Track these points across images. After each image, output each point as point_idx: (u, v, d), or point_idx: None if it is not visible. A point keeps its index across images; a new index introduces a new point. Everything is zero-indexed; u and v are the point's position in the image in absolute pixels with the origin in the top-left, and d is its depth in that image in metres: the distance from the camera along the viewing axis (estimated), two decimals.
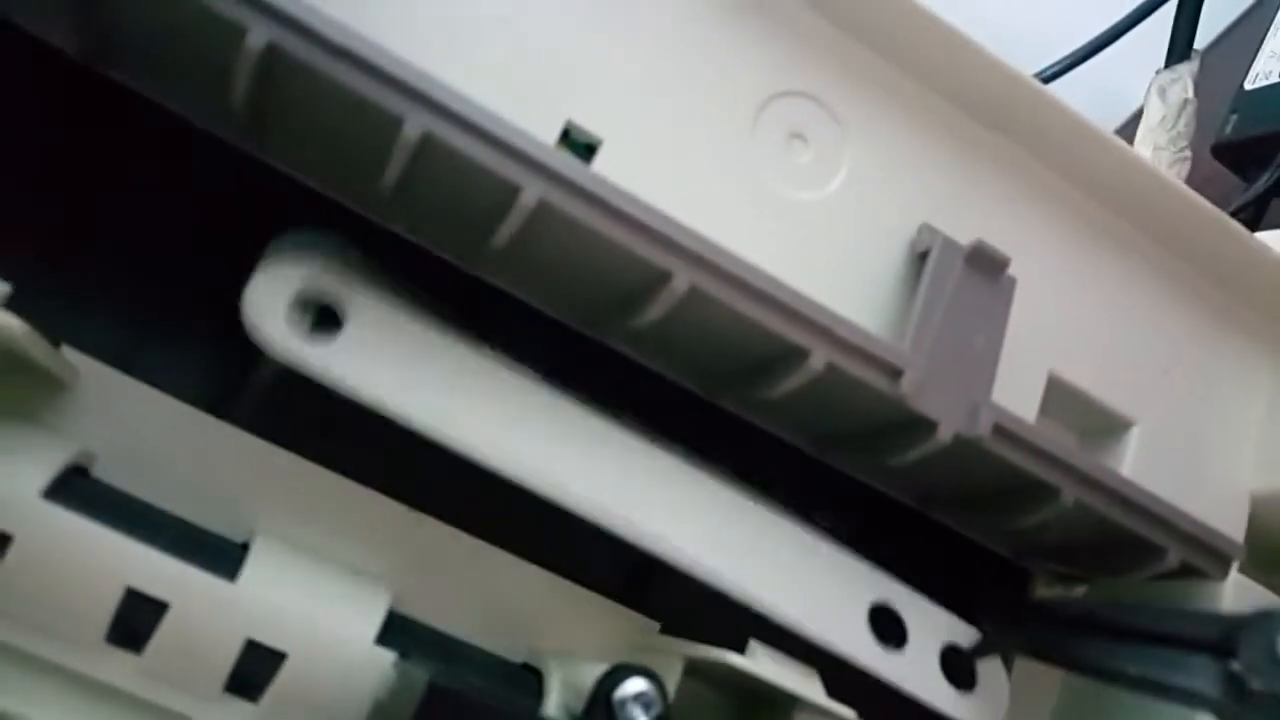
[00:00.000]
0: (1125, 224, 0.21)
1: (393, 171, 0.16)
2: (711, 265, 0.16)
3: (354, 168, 0.17)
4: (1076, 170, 0.20)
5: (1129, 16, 0.43)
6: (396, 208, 0.18)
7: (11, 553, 0.15)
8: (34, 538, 0.15)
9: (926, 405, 0.17)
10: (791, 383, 0.17)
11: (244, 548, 0.17)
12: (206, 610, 0.16)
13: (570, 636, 0.20)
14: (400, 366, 0.17)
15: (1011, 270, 0.19)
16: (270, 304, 0.17)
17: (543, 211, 0.16)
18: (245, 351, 0.17)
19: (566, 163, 0.16)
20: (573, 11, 0.18)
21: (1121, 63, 0.47)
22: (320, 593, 0.17)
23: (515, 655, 0.19)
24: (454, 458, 0.17)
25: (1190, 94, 0.34)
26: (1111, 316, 0.20)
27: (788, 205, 0.19)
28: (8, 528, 0.15)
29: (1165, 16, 0.42)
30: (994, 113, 0.20)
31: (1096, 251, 0.21)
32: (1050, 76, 0.46)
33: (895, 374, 0.17)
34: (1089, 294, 0.20)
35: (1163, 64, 0.39)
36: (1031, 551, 0.22)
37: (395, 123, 0.15)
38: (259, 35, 0.15)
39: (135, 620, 0.16)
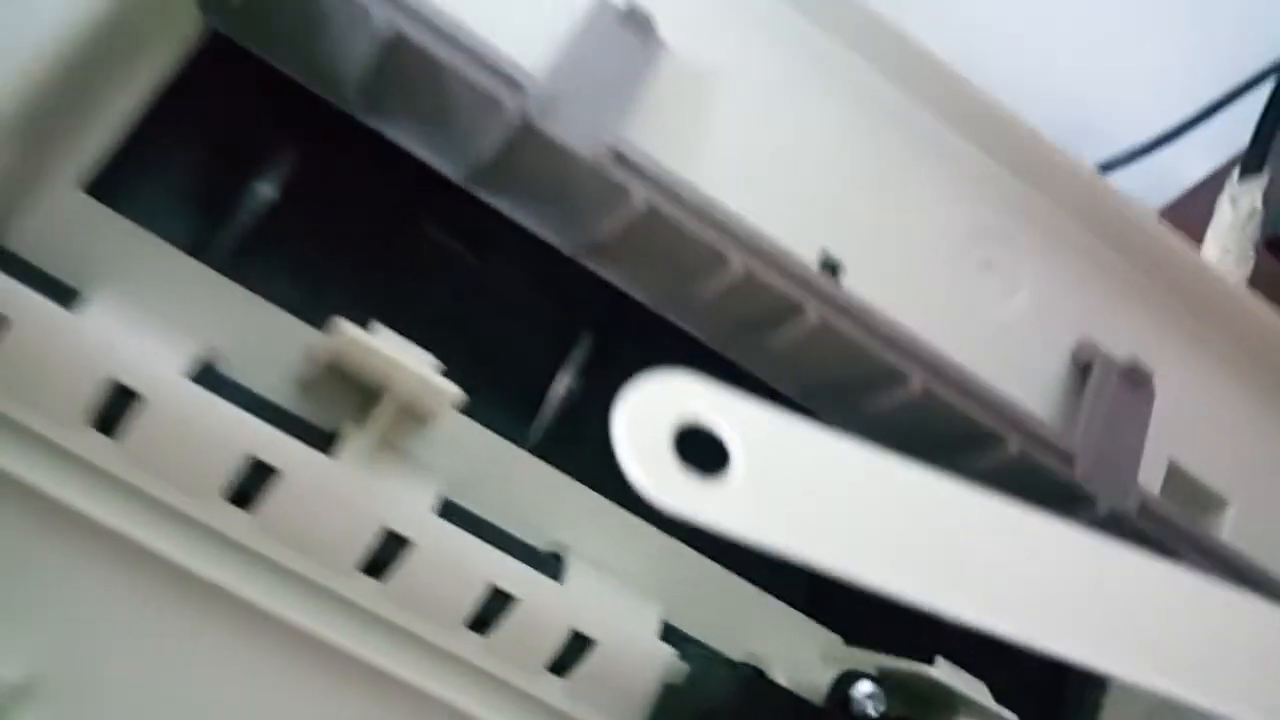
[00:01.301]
0: (1232, 340, 0.26)
1: (714, 290, 0.21)
2: (940, 370, 0.22)
3: (675, 282, 0.22)
4: (1196, 301, 0.26)
5: (1197, 114, 0.49)
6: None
7: (412, 554, 0.20)
8: (432, 546, 0.20)
9: (1091, 487, 0.23)
10: (988, 462, 0.23)
11: (557, 558, 0.22)
12: (543, 605, 0.21)
13: (775, 643, 0.25)
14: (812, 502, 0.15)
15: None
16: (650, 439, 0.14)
17: (822, 327, 0.21)
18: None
19: (839, 290, 0.21)
20: (840, 160, 0.23)
21: (1177, 148, 0.53)
22: (619, 598, 0.22)
23: (735, 655, 0.24)
24: None
25: (1259, 204, 0.39)
26: (1220, 416, 0.26)
27: (980, 318, 0.24)
28: (412, 535, 0.20)
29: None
30: (1138, 254, 0.25)
31: (1211, 362, 0.26)
32: (1116, 164, 0.52)
33: (1069, 460, 0.22)
34: (1202, 397, 0.26)
35: (1224, 163, 0.45)
36: None
37: (720, 262, 0.21)
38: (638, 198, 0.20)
39: (489, 611, 0.21)
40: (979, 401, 0.22)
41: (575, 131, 0.20)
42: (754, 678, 0.19)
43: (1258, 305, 0.26)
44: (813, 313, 0.21)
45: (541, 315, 0.25)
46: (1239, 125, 0.50)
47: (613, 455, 0.23)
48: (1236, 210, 0.39)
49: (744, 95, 0.23)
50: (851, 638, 0.26)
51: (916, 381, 0.22)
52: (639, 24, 0.21)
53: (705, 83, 0.23)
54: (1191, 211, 0.53)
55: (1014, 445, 0.22)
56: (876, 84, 0.24)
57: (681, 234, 0.21)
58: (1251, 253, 0.40)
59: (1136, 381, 0.24)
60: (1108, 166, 0.52)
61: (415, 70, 0.20)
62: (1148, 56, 0.55)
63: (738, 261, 0.21)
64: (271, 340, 0.21)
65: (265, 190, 0.23)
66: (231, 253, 0.22)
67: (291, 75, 0.22)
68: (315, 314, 0.22)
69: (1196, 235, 0.45)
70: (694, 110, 0.22)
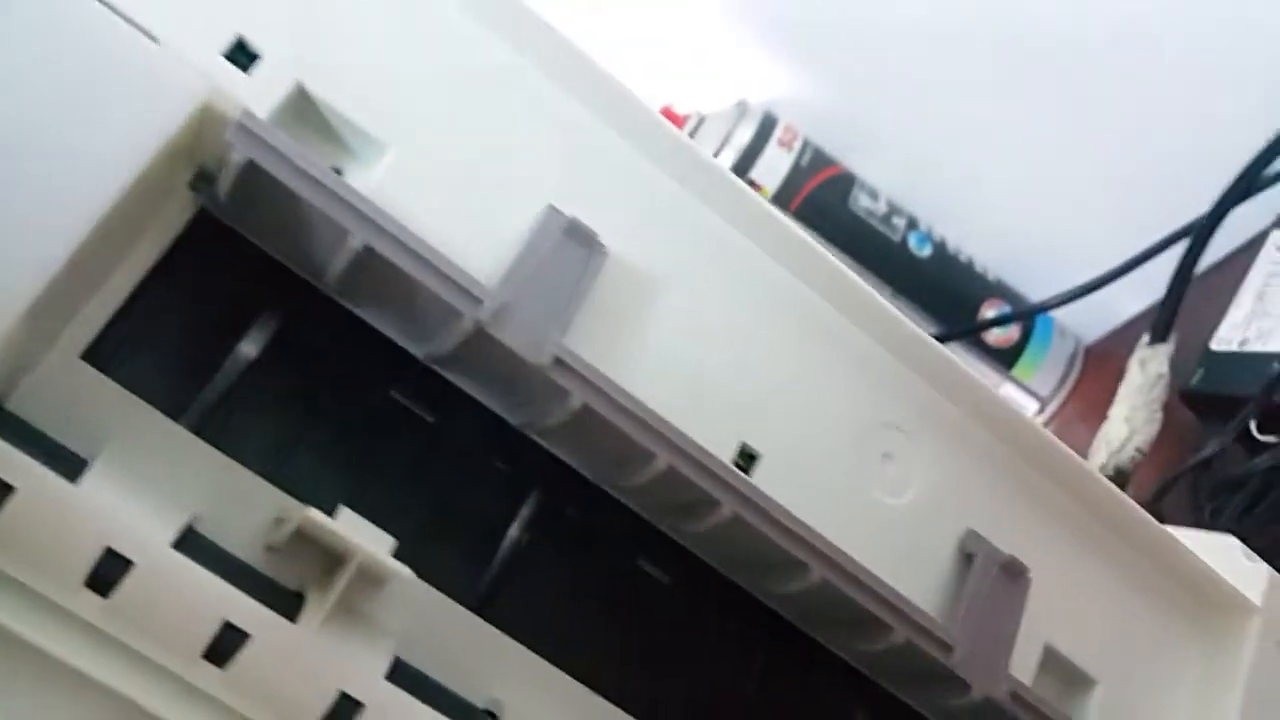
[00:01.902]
0: (1107, 532, 0.29)
1: (642, 480, 0.24)
2: (837, 564, 0.24)
3: (610, 467, 0.25)
4: (1075, 496, 0.29)
5: (1129, 262, 0.53)
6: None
7: (363, 716, 0.22)
8: (380, 711, 0.22)
9: (965, 673, 0.25)
10: (877, 646, 0.25)
11: (492, 716, 0.24)
12: None
13: None
14: None
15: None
16: None
17: (733, 520, 0.24)
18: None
19: (750, 489, 0.24)
20: (763, 360, 0.26)
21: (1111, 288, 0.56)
22: None
23: None
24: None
25: (1165, 370, 0.42)
26: (1092, 602, 0.29)
27: (877, 507, 0.27)
28: (364, 699, 0.22)
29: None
30: (1023, 453, 0.28)
31: (1086, 553, 0.29)
32: (1053, 304, 0.56)
33: (948, 649, 0.25)
34: (1077, 585, 0.29)
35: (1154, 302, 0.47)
36: None
37: (648, 457, 0.23)
38: (576, 400, 0.23)
39: None
40: (870, 595, 0.24)
41: (523, 339, 0.23)
42: None
43: (1130, 504, 0.29)
44: (726, 508, 0.24)
45: (495, 475, 0.27)
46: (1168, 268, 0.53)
47: (555, 609, 0.25)
48: (1146, 373, 0.43)
49: (680, 301, 0.26)
50: None
51: (815, 574, 0.24)
52: (582, 236, 0.24)
53: (646, 288, 0.25)
54: (1123, 346, 0.56)
55: (899, 635, 0.25)
56: (801, 292, 0.27)
57: (613, 432, 0.23)
58: (1159, 414, 0.43)
59: (1014, 573, 0.26)
60: (1046, 307, 0.56)
61: (384, 276, 0.22)
62: (1088, 203, 0.59)
63: (662, 459, 0.23)
64: (245, 503, 0.23)
65: (246, 352, 0.25)
66: (211, 414, 0.24)
67: (273, 255, 0.25)
68: (289, 472, 0.25)
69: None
70: (635, 312, 0.25)
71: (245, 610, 0.22)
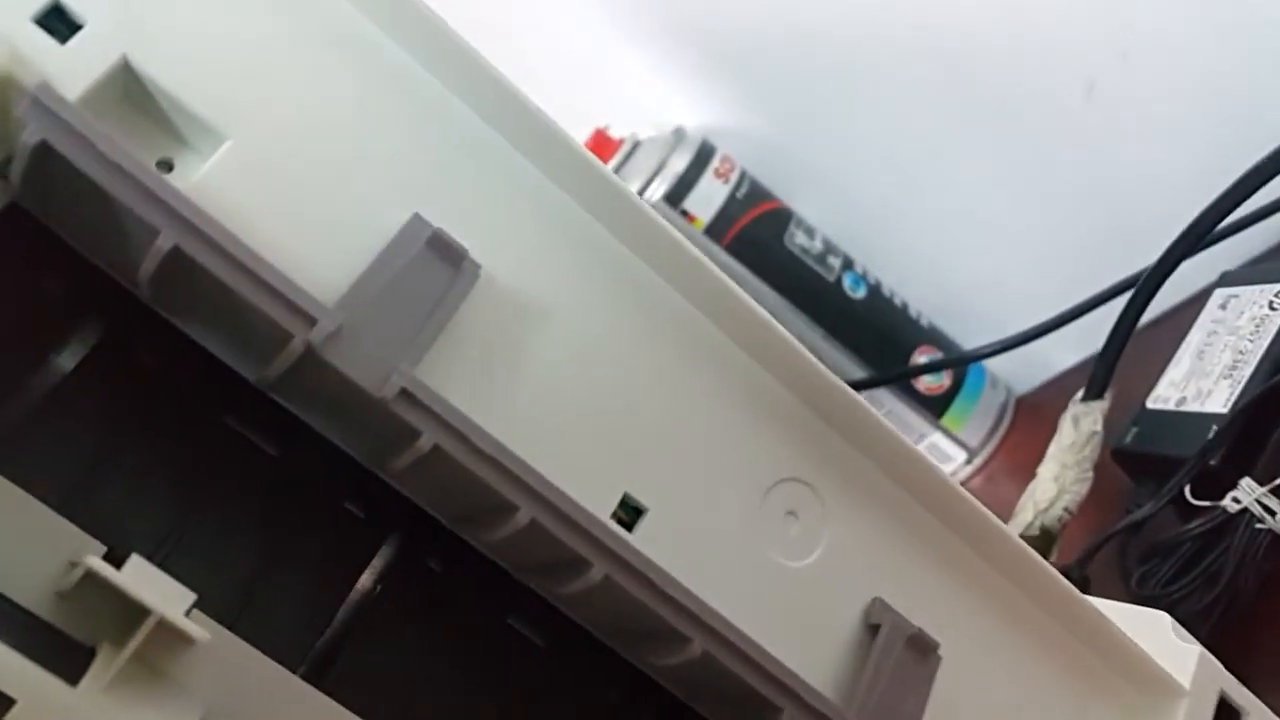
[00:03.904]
0: (1028, 605, 0.26)
1: (503, 534, 0.21)
2: (721, 637, 0.21)
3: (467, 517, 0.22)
4: (998, 565, 0.26)
5: (1066, 314, 0.51)
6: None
7: None
8: None
9: None
10: None
11: None
12: None
13: None
14: None
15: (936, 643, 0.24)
16: None
17: (605, 583, 0.21)
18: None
19: (627, 549, 0.21)
20: (652, 401, 0.23)
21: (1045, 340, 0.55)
22: None
23: None
24: None
25: (1099, 428, 0.40)
26: (1009, 682, 0.26)
27: (777, 570, 0.24)
28: None
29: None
30: (945, 515, 0.25)
31: (1004, 627, 0.26)
32: (987, 353, 0.54)
33: None
34: (992, 663, 0.26)
35: (1088, 356, 0.46)
36: None
37: (509, 509, 0.20)
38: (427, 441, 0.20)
39: None
40: (757, 671, 0.21)
41: (363, 367, 0.20)
42: None
43: (1054, 575, 0.26)
44: (597, 570, 0.21)
45: (345, 518, 0.24)
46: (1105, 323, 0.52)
47: (408, 674, 0.22)
48: (1078, 430, 0.41)
49: (563, 330, 0.23)
50: None
51: (697, 646, 0.21)
52: (447, 251, 0.21)
53: (522, 314, 0.22)
54: (1057, 397, 0.55)
55: (788, 716, 0.22)
56: (695, 321, 0.24)
57: (469, 478, 0.20)
58: (1090, 473, 0.41)
59: (922, 649, 0.24)
60: (979, 356, 0.54)
61: (202, 285, 0.19)
62: (1026, 252, 0.58)
63: (525, 512, 0.20)
64: (37, 541, 0.20)
65: (61, 365, 0.22)
66: (14, 432, 0.21)
67: (85, 255, 0.22)
68: (97, 508, 0.21)
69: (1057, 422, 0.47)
70: (508, 342, 0.22)
71: (13, 671, 0.18)
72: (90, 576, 0.19)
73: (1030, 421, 0.61)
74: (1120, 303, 0.45)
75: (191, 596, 0.19)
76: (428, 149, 0.22)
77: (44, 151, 0.18)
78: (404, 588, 0.24)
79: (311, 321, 0.19)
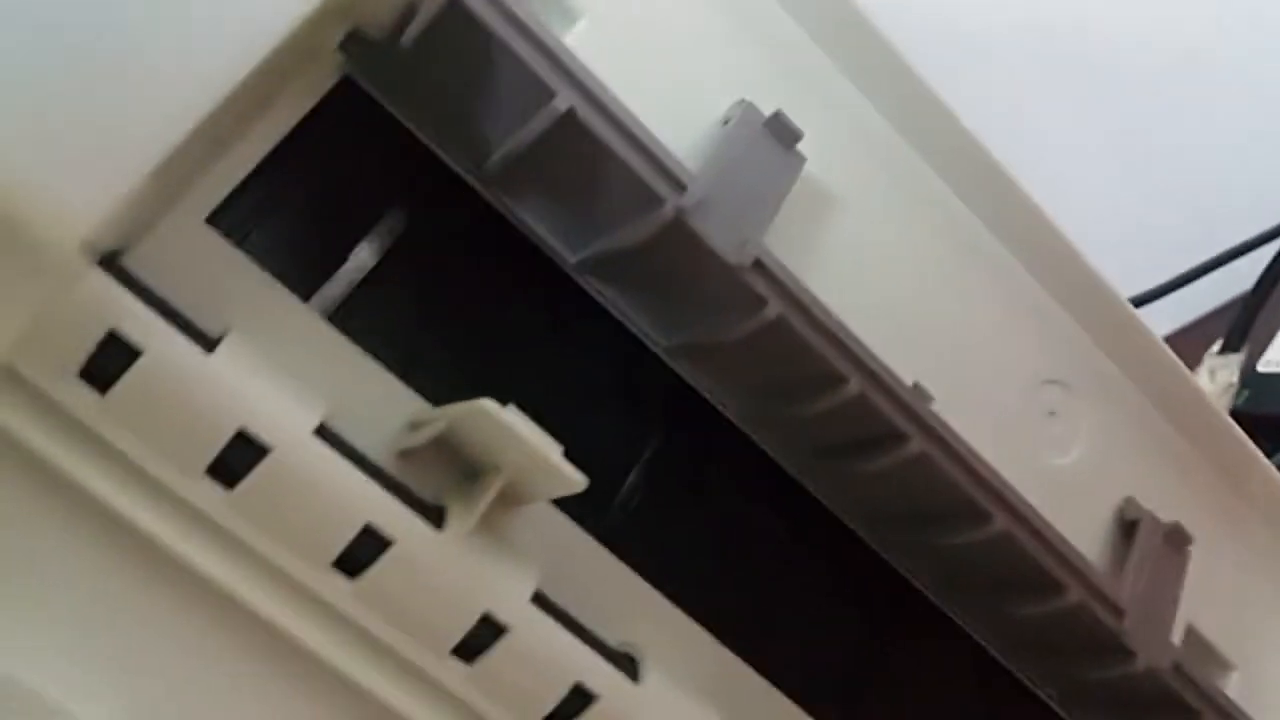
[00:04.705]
0: (1257, 517, 0.28)
1: (823, 407, 0.22)
2: (1022, 515, 0.22)
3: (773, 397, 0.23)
4: (1230, 474, 0.27)
5: (1171, 282, 0.52)
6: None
7: (507, 643, 0.20)
8: (526, 637, 0.20)
9: (1133, 642, 0.23)
10: (1043, 608, 0.23)
11: (631, 660, 0.22)
12: (621, 708, 0.20)
13: None
14: None
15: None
16: None
17: (920, 458, 0.22)
18: None
19: (943, 425, 0.22)
20: (937, 298, 0.24)
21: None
22: (695, 708, 0.22)
23: None
24: None
25: (1235, 380, 0.42)
26: (1237, 585, 0.27)
27: (1042, 465, 0.25)
28: (511, 623, 0.20)
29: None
30: (1184, 423, 0.27)
31: (1234, 533, 0.28)
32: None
33: (1120, 615, 0.23)
34: (1223, 565, 0.27)
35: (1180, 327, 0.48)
36: None
37: (838, 381, 0.21)
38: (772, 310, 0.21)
39: (568, 708, 0.20)
40: (1051, 551, 0.23)
41: (724, 236, 0.20)
42: None
43: None
44: (915, 443, 0.22)
45: (618, 410, 0.25)
46: (1201, 296, 0.54)
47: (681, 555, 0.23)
48: (1214, 382, 0.42)
49: (863, 226, 0.24)
50: None
51: (999, 524, 0.22)
52: (784, 133, 0.22)
53: (828, 206, 0.23)
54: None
55: (1074, 595, 0.23)
56: (976, 229, 0.25)
57: (806, 350, 0.21)
58: None
59: (1177, 544, 0.25)
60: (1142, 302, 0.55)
61: (575, 151, 0.20)
62: (1126, 222, 0.59)
63: (854, 384, 0.21)
64: (379, 403, 0.20)
65: (373, 246, 0.22)
66: (343, 302, 0.21)
67: (418, 134, 0.22)
68: (418, 374, 0.22)
69: None
70: (818, 229, 0.23)
71: (390, 514, 0.19)
72: (462, 429, 0.19)
73: None
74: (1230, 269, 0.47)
75: (559, 447, 0.20)
76: (752, 44, 0.23)
77: (452, 10, 0.19)
78: (672, 475, 0.25)
79: (682, 189, 0.20)
